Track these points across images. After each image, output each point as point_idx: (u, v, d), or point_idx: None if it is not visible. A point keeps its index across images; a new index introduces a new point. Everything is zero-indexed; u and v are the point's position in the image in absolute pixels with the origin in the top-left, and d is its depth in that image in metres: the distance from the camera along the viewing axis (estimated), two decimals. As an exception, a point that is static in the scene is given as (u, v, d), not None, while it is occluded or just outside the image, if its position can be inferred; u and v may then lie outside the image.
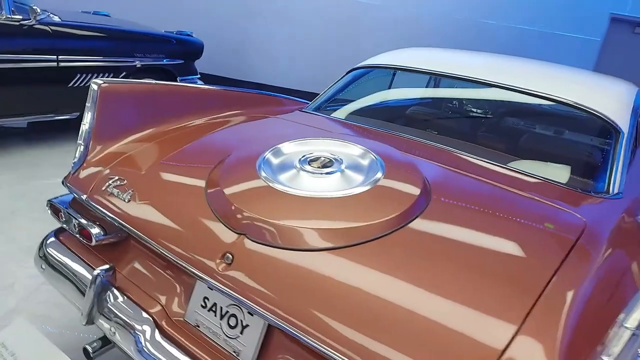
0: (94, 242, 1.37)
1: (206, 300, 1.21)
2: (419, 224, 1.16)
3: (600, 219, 1.35)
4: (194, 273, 1.15)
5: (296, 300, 1.04)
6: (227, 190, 1.23)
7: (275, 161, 1.36)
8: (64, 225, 1.49)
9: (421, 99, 2.63)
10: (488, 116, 2.45)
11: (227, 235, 1.15)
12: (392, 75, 2.62)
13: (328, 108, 2.26)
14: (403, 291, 1.00)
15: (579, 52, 6.42)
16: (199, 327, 1.21)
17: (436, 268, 1.05)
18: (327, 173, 1.29)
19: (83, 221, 1.40)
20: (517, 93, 1.91)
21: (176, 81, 4.51)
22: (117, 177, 1.40)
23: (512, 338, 0.88)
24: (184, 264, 1.17)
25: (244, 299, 1.08)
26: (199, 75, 4.80)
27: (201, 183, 1.32)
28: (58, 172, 3.37)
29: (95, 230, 1.38)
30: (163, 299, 1.30)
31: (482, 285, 1.01)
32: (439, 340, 0.91)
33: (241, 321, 1.14)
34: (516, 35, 6.55)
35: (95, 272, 1.30)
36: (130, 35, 4.17)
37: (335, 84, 2.41)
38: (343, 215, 1.14)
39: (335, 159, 1.34)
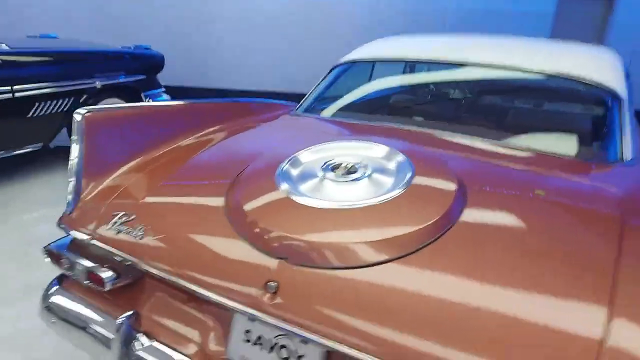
0: (107, 288, 1.24)
1: (249, 334, 1.11)
2: (468, 219, 1.09)
3: (630, 186, 1.33)
4: (233, 307, 1.05)
5: (354, 321, 0.96)
6: (253, 213, 1.13)
7: (295, 173, 1.27)
8: (67, 272, 1.35)
9: (414, 87, 2.58)
10: (487, 98, 2.43)
11: (265, 262, 1.06)
12: (372, 67, 2.57)
13: (319, 108, 2.18)
14: (475, 292, 0.93)
15: (534, 27, 6.56)
16: None
17: (501, 261, 0.99)
18: (354, 180, 1.21)
19: (91, 266, 1.27)
20: (513, 71, 1.88)
21: (140, 98, 4.32)
22: (122, 213, 1.27)
23: (608, 323, 0.83)
24: (220, 299, 1.07)
25: (296, 329, 0.99)
26: (163, 89, 4.60)
27: (218, 207, 1.21)
28: (31, 207, 3.20)
29: (107, 274, 1.25)
30: (197, 338, 1.19)
31: (553, 272, 0.95)
32: (532, 339, 0.85)
33: (295, 351, 1.05)
34: (466, 15, 6.63)
35: (119, 320, 1.17)
36: (86, 56, 3.93)
37: (320, 83, 2.32)
38: (387, 223, 1.06)
39: (359, 164, 1.26)
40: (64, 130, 3.76)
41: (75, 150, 1.37)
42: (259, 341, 1.10)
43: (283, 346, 1.06)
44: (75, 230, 1.31)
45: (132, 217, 1.26)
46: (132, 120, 1.54)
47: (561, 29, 6.64)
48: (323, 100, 2.26)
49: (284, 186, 1.19)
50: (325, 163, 1.28)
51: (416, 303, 0.94)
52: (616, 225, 1.07)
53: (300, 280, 1.02)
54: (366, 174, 1.22)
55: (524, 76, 1.93)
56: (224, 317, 1.16)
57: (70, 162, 1.37)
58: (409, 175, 1.20)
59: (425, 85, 2.56)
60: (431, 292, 0.95)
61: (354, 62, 2.31)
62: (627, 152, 1.57)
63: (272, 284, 1.02)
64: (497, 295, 0.93)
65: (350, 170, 1.24)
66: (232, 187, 1.26)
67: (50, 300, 1.37)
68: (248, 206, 1.15)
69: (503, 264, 0.98)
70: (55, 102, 3.58)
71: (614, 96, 1.73)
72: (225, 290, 1.07)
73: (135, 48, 4.43)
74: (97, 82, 3.87)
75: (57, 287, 1.41)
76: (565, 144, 1.71)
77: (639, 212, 1.16)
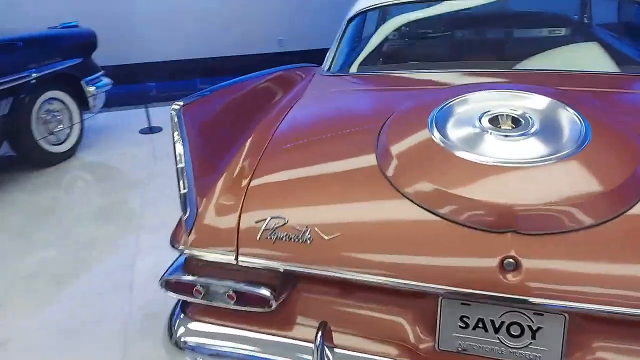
0: (274, 305, 1.06)
1: (466, 320, 1.00)
2: None
3: None
4: (448, 293, 0.95)
5: (595, 282, 0.92)
6: (452, 189, 0.99)
7: (459, 133, 1.13)
8: (201, 301, 1.12)
9: (446, 24, 2.45)
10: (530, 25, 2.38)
11: (490, 239, 0.95)
12: (383, 13, 2.42)
13: (364, 64, 2.02)
14: None
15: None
16: (466, 351, 1.01)
17: None
18: (523, 134, 1.10)
19: (244, 287, 1.07)
20: None
21: (81, 87, 3.75)
22: (268, 218, 1.07)
23: None
24: (432, 287, 0.95)
25: (542, 301, 0.91)
26: (102, 72, 4.05)
27: (382, 183, 1.07)
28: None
29: (266, 292, 1.06)
30: (397, 338, 1.06)
31: None
32: None
33: (528, 327, 0.97)
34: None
35: (317, 341, 1.00)
36: (13, 45, 3.29)
37: (342, 38, 2.13)
38: (589, 182, 0.99)
39: (522, 116, 1.16)
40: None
41: (179, 152, 1.12)
42: (480, 324, 1.00)
43: (514, 323, 0.98)
44: (212, 251, 1.08)
45: (284, 218, 1.06)
46: (227, 102, 1.30)
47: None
48: (356, 55, 2.10)
49: (459, 152, 1.06)
50: (484, 114, 1.16)
51: None
52: None
53: (537, 250, 0.93)
54: (534, 128, 1.12)
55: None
56: (424, 309, 1.04)
57: (177, 168, 1.12)
58: (582, 127, 1.10)
59: (456, 20, 2.45)
60: None
61: (368, 11, 2.15)
62: None
63: (510, 260, 0.92)
64: None
65: (514, 124, 1.14)
66: (396, 165, 1.10)
67: (183, 337, 1.15)
68: (440, 184, 1.01)
69: None
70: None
71: None
72: (436, 276, 0.96)
73: (63, 27, 3.80)
74: (34, 74, 3.29)
75: (184, 317, 1.18)
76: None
77: None
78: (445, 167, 1.05)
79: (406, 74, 1.88)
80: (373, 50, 2.13)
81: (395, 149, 1.12)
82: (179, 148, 1.11)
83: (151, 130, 4.33)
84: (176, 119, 1.12)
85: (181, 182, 1.11)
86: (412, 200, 1.02)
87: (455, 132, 1.13)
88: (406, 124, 1.21)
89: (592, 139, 1.06)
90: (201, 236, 1.10)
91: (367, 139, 1.22)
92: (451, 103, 1.23)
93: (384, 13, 2.41)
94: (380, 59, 2.18)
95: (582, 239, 0.94)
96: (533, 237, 0.94)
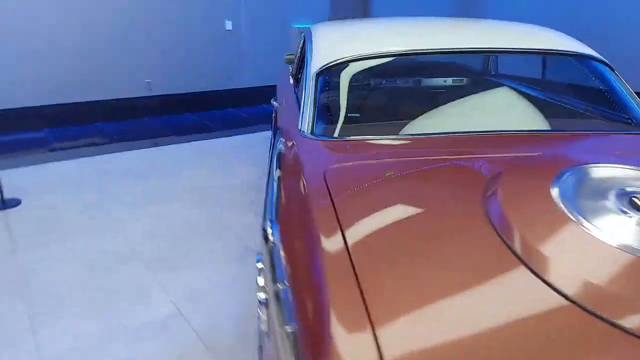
0: None
1: None
2: None
3: None
4: None
5: None
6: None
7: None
8: None
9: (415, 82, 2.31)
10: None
11: None
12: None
13: (342, 128, 1.75)
14: None
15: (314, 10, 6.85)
16: None
17: None
18: None
19: None
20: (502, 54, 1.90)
21: None
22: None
23: None
24: None
25: None
26: None
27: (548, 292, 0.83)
28: None
29: None
30: None
31: None
32: None
33: None
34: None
35: None
36: None
37: (309, 96, 1.85)
38: None
39: None
40: None
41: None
42: None
43: None
44: None
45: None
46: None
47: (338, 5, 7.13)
48: (333, 118, 1.83)
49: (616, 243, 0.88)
50: (617, 194, 1.01)
51: None
52: None
53: None
54: None
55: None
56: None
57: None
58: None
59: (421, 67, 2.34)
60: None
61: (340, 64, 1.93)
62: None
63: None
64: None
65: None
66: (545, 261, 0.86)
67: None
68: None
69: None
70: None
71: (604, 63, 1.91)
72: None
73: None
74: None
75: None
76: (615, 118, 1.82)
77: None
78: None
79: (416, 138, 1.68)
80: (352, 108, 1.91)
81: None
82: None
83: (4, 204, 3.32)
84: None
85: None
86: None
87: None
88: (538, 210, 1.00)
89: None
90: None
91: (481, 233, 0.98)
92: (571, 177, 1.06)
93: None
94: (360, 118, 1.97)
95: None
96: None
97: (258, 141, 4.93)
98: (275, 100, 3.23)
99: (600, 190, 1.04)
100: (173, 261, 2.59)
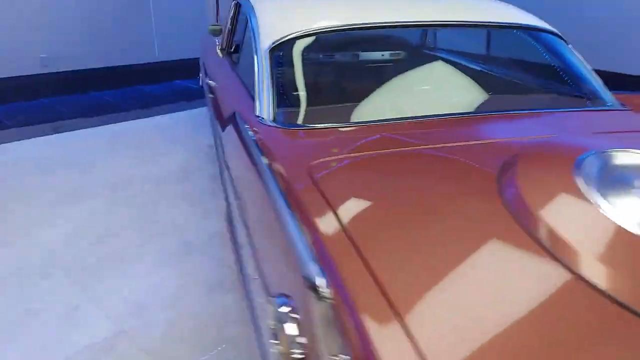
0: None
1: None
2: None
3: None
4: None
5: None
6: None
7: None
8: None
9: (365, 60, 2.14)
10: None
11: None
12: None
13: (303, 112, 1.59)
14: None
15: None
16: None
17: None
18: None
19: None
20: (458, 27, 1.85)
21: None
22: None
23: None
24: None
25: None
26: None
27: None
28: None
29: None
30: None
31: None
32: None
33: None
34: None
35: None
36: None
37: (262, 76, 1.65)
38: None
39: None
40: None
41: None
42: None
43: None
44: None
45: None
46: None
47: None
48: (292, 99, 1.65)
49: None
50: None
51: None
52: None
53: None
54: None
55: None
56: None
57: None
58: None
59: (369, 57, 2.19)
60: None
61: (288, 41, 1.74)
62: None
63: None
64: None
65: None
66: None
67: None
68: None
69: None
70: None
71: (559, 36, 1.93)
72: None
73: None
74: None
75: None
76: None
77: None
78: None
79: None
80: (309, 89, 1.74)
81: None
82: None
83: None
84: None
85: None
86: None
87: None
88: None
89: None
90: None
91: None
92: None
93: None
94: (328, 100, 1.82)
95: None
96: None
97: (178, 122, 4.53)
98: (207, 77, 2.93)
99: (622, 175, 1.01)
100: (103, 270, 2.27)
